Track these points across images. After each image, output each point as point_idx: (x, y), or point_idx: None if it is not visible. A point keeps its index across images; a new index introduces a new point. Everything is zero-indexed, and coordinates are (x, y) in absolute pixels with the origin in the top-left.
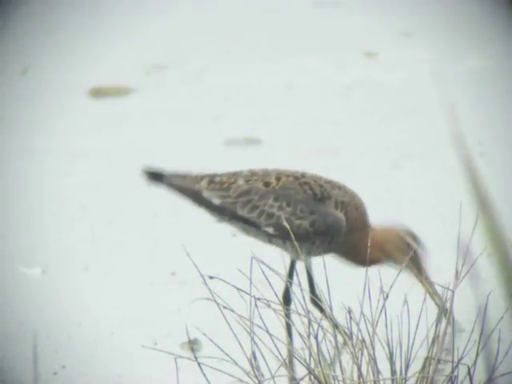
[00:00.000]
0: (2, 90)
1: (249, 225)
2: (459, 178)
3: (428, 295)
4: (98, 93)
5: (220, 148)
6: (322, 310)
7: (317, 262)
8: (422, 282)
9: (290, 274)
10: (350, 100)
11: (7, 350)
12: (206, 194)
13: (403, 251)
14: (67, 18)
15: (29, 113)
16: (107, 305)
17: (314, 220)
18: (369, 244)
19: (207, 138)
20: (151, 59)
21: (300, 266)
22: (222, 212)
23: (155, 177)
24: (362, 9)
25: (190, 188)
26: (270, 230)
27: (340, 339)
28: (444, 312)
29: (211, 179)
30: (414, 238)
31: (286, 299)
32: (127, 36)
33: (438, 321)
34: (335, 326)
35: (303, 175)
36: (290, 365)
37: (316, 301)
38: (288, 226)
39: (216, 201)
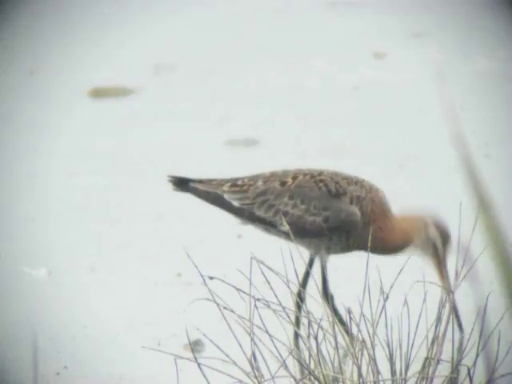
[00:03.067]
0: (9, 90)
1: (267, 225)
2: (464, 179)
3: (441, 287)
4: (103, 93)
5: (226, 149)
6: (332, 307)
7: (317, 263)
8: (439, 275)
9: (306, 275)
10: (357, 101)
11: (10, 351)
12: (227, 196)
13: (426, 240)
14: (74, 19)
15: (34, 113)
16: (112, 306)
17: (328, 216)
18: (381, 233)
19: (213, 139)
20: (157, 60)
21: (316, 263)
22: (242, 214)
23: (181, 183)
24: (376, 9)
25: (213, 192)
26: (285, 228)
27: (343, 339)
28: (452, 310)
29: (233, 183)
30: (442, 227)
31: (299, 299)
32: (133, 37)
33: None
34: (342, 324)
35: (321, 173)
36: (299, 368)
37: (325, 298)
38: (288, 227)
39: (236, 203)
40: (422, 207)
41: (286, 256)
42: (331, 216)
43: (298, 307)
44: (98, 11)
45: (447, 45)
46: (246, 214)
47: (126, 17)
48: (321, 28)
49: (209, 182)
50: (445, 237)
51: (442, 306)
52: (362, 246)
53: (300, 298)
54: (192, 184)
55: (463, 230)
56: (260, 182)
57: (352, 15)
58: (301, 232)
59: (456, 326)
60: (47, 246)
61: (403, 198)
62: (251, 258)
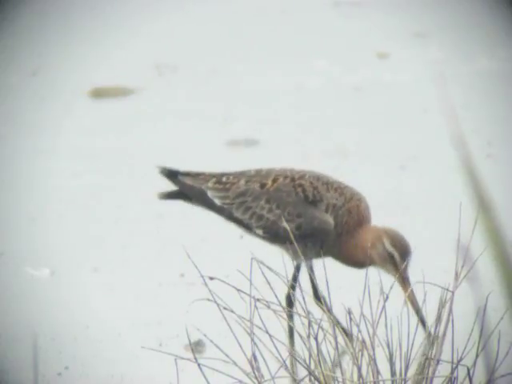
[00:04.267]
0: (12, 90)
1: (243, 227)
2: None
3: (408, 303)
4: (105, 94)
5: (228, 149)
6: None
7: (317, 263)
8: (402, 288)
9: (294, 277)
10: (360, 101)
11: (12, 351)
12: (210, 193)
13: (382, 257)
14: (77, 19)
15: (37, 113)
16: (114, 306)
17: (301, 223)
18: (355, 244)
19: (215, 139)
20: (159, 60)
21: (303, 267)
22: (222, 213)
23: (170, 175)
24: (380, 9)
25: (197, 187)
26: (260, 232)
27: (341, 340)
28: (421, 322)
29: (218, 179)
30: (400, 245)
31: (289, 301)
32: (135, 36)
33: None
34: (337, 325)
35: (303, 176)
36: (292, 367)
37: (318, 301)
38: (288, 228)
39: (217, 201)
40: (386, 224)
41: (287, 257)
42: (304, 223)
43: (290, 306)
44: (101, 11)
45: (450, 45)
46: (226, 214)
47: (128, 17)
48: (324, 28)
49: (196, 175)
50: (402, 250)
51: (441, 306)
52: (333, 255)
53: (290, 299)
54: (180, 177)
55: (464, 230)
56: (242, 182)
57: (356, 15)
58: (274, 237)
59: (420, 323)
60: (49, 247)
61: (404, 199)
62: (251, 259)
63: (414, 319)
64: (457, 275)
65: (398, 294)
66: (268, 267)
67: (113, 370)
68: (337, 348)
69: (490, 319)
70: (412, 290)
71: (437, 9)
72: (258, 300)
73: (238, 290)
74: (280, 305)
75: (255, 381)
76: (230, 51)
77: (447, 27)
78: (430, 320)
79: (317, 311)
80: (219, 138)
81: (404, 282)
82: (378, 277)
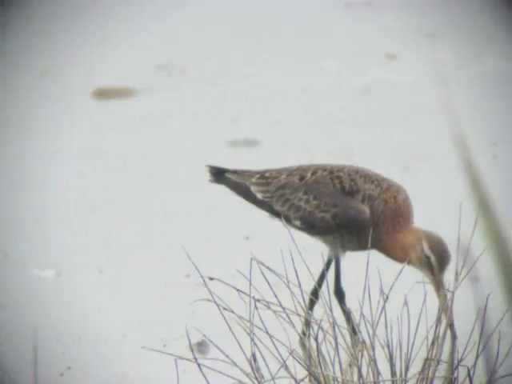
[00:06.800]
0: (20, 91)
1: (283, 219)
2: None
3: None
4: (111, 94)
5: (234, 150)
6: (343, 304)
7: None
8: (436, 293)
9: (323, 274)
10: (368, 102)
11: (15, 351)
12: (253, 188)
13: (419, 259)
14: (82, 20)
15: (40, 114)
16: (120, 307)
17: (336, 213)
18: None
19: (221, 140)
20: (165, 60)
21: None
22: (263, 206)
23: (218, 173)
24: (392, 10)
25: (242, 183)
26: (298, 223)
27: (350, 338)
28: (449, 327)
29: (262, 175)
30: (438, 250)
31: (313, 297)
32: (140, 37)
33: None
34: (351, 324)
35: (341, 169)
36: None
37: (339, 295)
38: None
39: (259, 195)
40: (432, 229)
41: (294, 258)
42: (339, 213)
43: (311, 307)
44: (107, 11)
45: (458, 45)
46: (266, 207)
47: (134, 17)
48: (335, 29)
49: (242, 172)
50: (440, 255)
51: (441, 308)
52: (375, 247)
53: (312, 300)
54: (227, 174)
55: (465, 231)
56: (283, 176)
57: (367, 16)
58: (311, 228)
59: (451, 335)
60: (55, 248)
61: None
62: (251, 259)
63: (415, 319)
64: (457, 275)
65: (398, 294)
66: (269, 268)
67: (115, 370)
68: (337, 349)
69: (490, 319)
70: (446, 296)
71: (445, 10)
72: (259, 300)
73: (238, 290)
74: (280, 305)
75: (255, 381)
76: (238, 52)
77: (455, 28)
78: (431, 320)
79: (316, 311)
80: (225, 139)
81: (438, 287)
82: (378, 277)
